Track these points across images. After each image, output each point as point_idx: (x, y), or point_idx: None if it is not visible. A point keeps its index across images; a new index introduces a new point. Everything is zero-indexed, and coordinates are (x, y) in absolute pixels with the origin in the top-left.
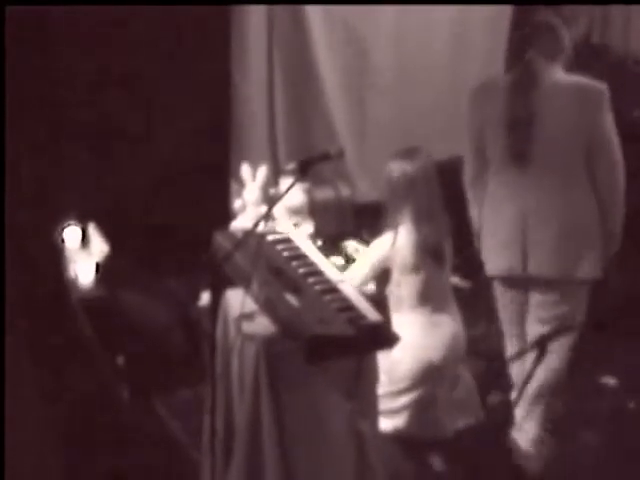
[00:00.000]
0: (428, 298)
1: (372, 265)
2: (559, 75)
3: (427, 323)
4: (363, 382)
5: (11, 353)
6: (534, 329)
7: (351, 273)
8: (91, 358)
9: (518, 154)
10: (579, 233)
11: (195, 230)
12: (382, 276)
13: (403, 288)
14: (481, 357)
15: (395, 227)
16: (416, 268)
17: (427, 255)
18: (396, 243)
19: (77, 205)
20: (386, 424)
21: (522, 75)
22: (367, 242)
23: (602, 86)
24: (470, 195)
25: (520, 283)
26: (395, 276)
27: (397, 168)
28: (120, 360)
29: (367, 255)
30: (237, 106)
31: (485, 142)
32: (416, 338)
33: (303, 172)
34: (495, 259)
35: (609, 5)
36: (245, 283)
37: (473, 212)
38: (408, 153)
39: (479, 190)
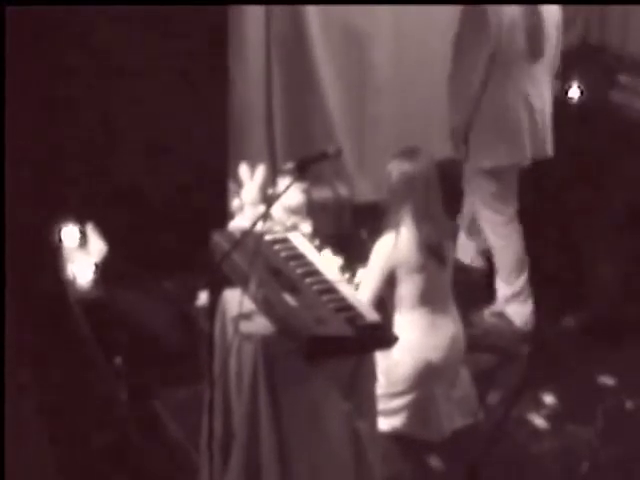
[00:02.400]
0: (428, 298)
1: (380, 269)
2: None
3: (427, 324)
4: (361, 382)
5: (10, 354)
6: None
7: (362, 286)
8: (89, 358)
9: (535, 52)
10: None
11: (193, 230)
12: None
13: (404, 287)
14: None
15: (396, 227)
16: (418, 268)
17: (429, 255)
18: (398, 242)
19: (75, 205)
20: (384, 424)
21: None
22: (365, 242)
23: None
24: (465, 100)
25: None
26: (397, 276)
27: (397, 168)
28: (118, 360)
29: (373, 262)
30: (235, 105)
31: (501, 45)
32: (416, 339)
33: (301, 172)
34: (508, 147)
35: (606, 5)
36: (243, 283)
37: (459, 116)
38: (408, 153)
39: (475, 92)
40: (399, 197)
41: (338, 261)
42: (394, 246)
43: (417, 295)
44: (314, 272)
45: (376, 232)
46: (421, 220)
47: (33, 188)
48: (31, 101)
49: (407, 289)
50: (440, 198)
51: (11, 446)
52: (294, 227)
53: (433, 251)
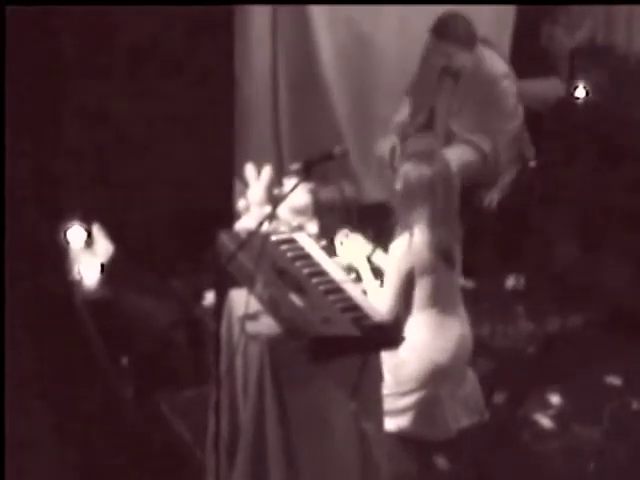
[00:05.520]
0: (437, 299)
1: (400, 270)
2: None
3: (435, 324)
4: (367, 382)
5: (14, 354)
6: None
7: (384, 290)
8: (95, 358)
9: None
10: None
11: (199, 230)
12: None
13: (414, 288)
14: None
15: (409, 228)
16: (428, 269)
17: (439, 257)
18: (412, 244)
19: (81, 205)
20: (390, 424)
21: None
22: (373, 241)
23: None
24: None
25: None
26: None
27: (414, 171)
28: (124, 360)
29: (391, 265)
30: (241, 106)
31: None
32: (424, 339)
33: (307, 172)
34: None
35: (612, 5)
36: (249, 283)
37: None
38: (424, 155)
39: None
40: (416, 199)
41: (367, 247)
42: (409, 248)
43: (426, 296)
44: (320, 272)
45: (383, 232)
46: (437, 223)
47: (36, 187)
48: (31, 100)
49: (417, 290)
50: (458, 200)
51: (13, 445)
52: (300, 227)
53: (444, 253)
